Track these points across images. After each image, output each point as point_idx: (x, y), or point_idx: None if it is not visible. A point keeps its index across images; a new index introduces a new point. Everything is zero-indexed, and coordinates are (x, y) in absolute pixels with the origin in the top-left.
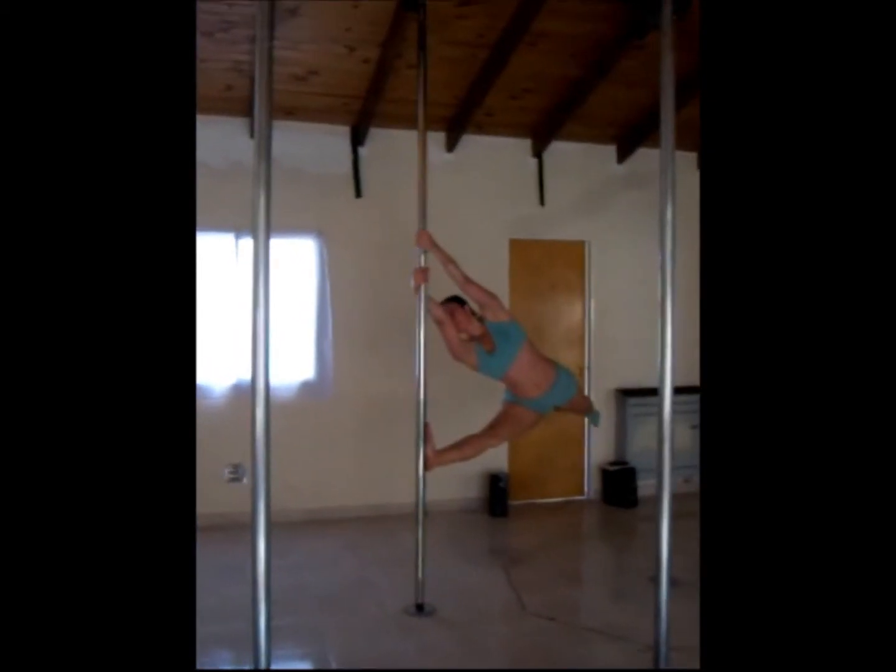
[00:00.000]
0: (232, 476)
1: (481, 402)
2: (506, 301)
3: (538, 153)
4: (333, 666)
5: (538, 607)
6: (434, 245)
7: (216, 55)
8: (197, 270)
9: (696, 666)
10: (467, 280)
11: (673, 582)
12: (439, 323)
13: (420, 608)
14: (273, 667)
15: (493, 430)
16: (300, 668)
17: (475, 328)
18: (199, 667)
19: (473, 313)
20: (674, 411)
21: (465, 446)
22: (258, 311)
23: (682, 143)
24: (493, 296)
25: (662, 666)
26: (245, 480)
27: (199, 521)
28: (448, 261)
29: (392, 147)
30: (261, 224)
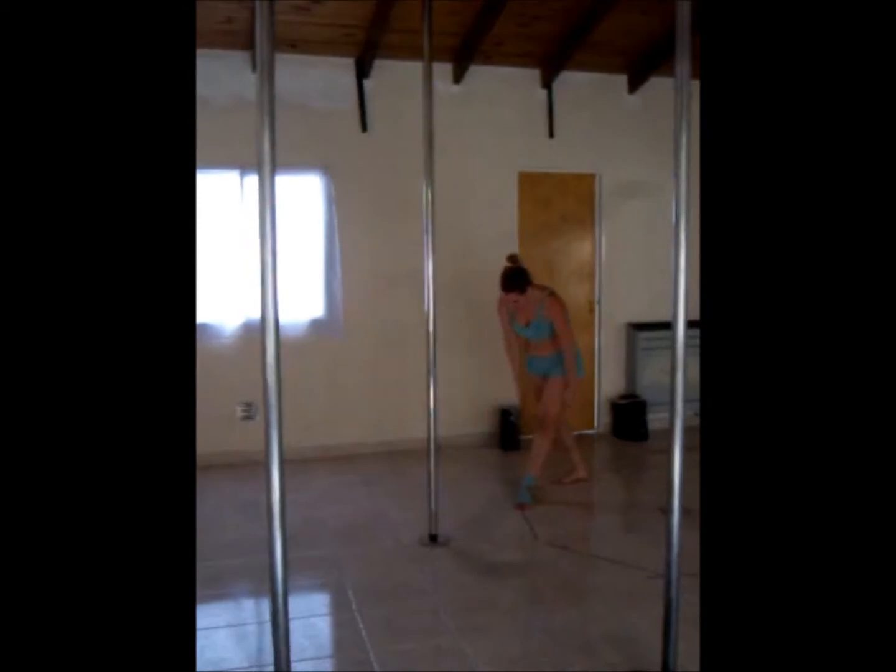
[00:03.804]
0: (245, 414)
1: (489, 335)
2: (515, 236)
3: (547, 84)
4: (350, 595)
5: (550, 537)
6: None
7: None
8: (196, 209)
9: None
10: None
11: (683, 511)
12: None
13: (434, 539)
14: (293, 595)
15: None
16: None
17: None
18: (220, 595)
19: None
20: (687, 344)
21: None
22: (265, 244)
23: (696, 70)
24: (568, 328)
25: (673, 592)
26: (258, 418)
27: (216, 460)
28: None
29: (398, 79)
30: (265, 157)
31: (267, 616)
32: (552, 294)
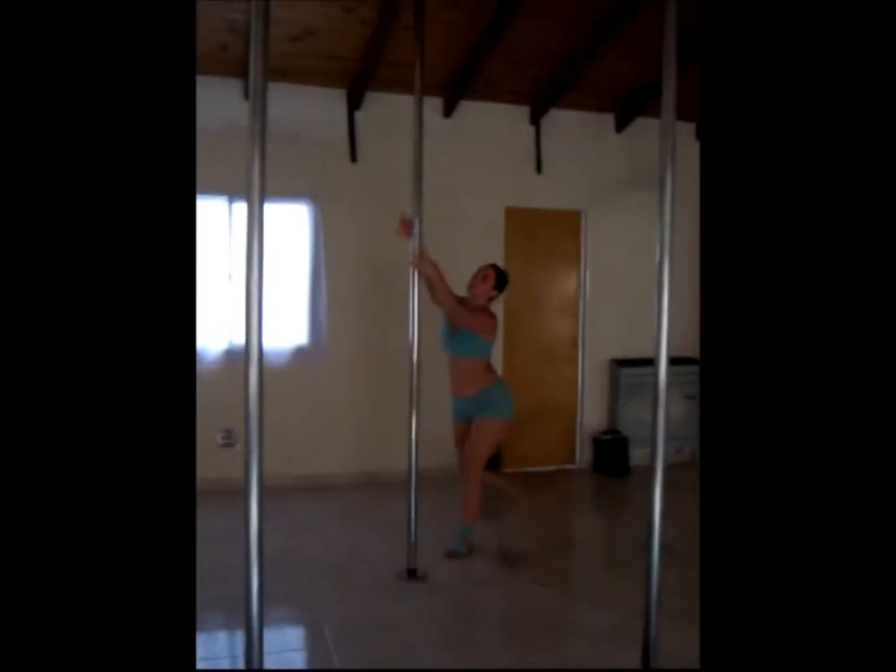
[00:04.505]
0: (225, 441)
1: None
2: None
3: (536, 121)
4: (326, 631)
5: (530, 573)
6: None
7: (210, 13)
8: (197, 234)
9: (683, 629)
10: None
11: (664, 549)
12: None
13: (412, 573)
14: (266, 630)
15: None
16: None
17: (481, 296)
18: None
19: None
20: (668, 381)
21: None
22: (252, 272)
23: (680, 113)
24: (480, 321)
25: (653, 631)
26: (238, 446)
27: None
28: (435, 279)
29: (389, 112)
30: (255, 185)
31: (240, 650)
32: (490, 312)
